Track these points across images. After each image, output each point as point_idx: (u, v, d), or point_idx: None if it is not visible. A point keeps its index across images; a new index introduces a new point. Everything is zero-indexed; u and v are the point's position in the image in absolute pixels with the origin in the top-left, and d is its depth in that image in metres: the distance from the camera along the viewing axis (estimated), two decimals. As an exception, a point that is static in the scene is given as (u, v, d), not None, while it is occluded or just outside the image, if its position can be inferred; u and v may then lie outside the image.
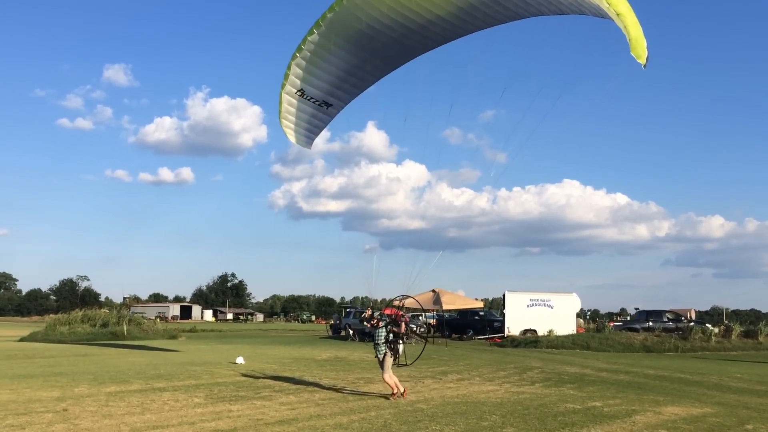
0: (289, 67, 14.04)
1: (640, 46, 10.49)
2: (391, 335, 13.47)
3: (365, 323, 14.35)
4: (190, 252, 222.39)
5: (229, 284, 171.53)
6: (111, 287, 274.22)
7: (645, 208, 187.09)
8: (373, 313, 14.05)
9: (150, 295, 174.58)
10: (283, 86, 14.44)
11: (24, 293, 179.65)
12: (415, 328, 15.10)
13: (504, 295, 39.51)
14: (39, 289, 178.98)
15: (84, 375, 16.50)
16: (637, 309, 46.27)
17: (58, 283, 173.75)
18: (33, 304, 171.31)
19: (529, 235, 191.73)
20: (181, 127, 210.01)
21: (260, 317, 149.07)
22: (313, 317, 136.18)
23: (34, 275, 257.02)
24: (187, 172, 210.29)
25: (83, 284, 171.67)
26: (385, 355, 13.33)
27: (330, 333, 46.88)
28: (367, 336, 36.72)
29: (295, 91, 14.50)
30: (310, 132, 15.88)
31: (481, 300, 52.86)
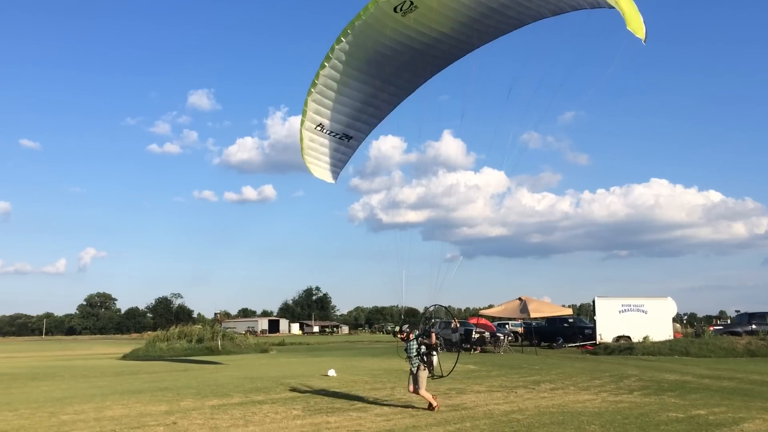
0: (306, 103, 14.08)
1: (635, 21, 10.34)
2: (423, 347, 13.08)
3: (399, 337, 13.96)
4: (276, 267, 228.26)
5: (314, 297, 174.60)
6: (202, 304, 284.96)
7: (741, 204, 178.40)
8: (401, 327, 13.90)
9: (239, 310, 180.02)
10: (302, 122, 14.49)
11: (123, 312, 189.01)
12: (455, 338, 14.04)
13: (594, 302, 38.45)
14: (137, 308, 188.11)
15: (187, 389, 17.28)
16: (738, 311, 43.96)
17: (154, 302, 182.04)
18: (131, 322, 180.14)
19: (616, 237, 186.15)
20: (262, 146, 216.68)
21: (345, 329, 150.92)
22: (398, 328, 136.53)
23: (132, 294, 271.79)
24: (269, 190, 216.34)
25: (177, 302, 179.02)
26: (418, 368, 13.00)
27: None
28: (453, 346, 36.59)
29: (315, 126, 14.49)
30: (334, 166, 15.73)
31: (569, 306, 51.63)
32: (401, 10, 11.87)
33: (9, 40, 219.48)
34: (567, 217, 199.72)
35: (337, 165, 15.72)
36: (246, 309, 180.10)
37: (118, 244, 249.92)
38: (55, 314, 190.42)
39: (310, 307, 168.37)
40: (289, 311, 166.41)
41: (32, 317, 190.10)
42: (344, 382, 18.74)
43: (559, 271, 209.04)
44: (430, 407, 12.88)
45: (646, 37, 10.64)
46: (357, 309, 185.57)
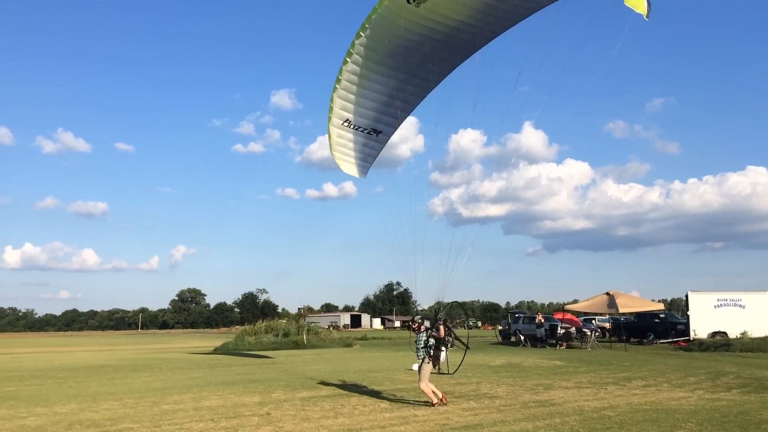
0: (332, 99, 13.92)
1: None
2: (431, 340, 12.80)
3: (412, 327, 13.62)
4: (357, 262, 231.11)
5: (394, 292, 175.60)
6: (286, 299, 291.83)
7: None
8: (413, 317, 13.56)
9: (322, 305, 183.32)
10: (329, 119, 14.33)
11: (212, 307, 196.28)
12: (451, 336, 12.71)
13: (687, 296, 36.91)
14: (225, 303, 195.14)
15: (278, 381, 17.84)
16: None
17: (240, 297, 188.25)
18: (220, 316, 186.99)
19: (710, 229, 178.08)
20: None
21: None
22: (479, 323, 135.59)
23: (220, 290, 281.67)
24: (349, 186, 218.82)
25: (262, 297, 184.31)
26: (423, 361, 12.80)
27: (500, 339, 46.50)
28: (538, 341, 36.03)
29: (342, 122, 14.34)
30: (363, 161, 15.59)
31: (659, 301, 49.75)
32: (414, 0, 11.73)
33: (103, 47, 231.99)
34: (656, 208, 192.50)
35: (366, 160, 15.63)
36: (329, 304, 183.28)
37: (206, 242, 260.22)
38: (150, 309, 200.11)
39: (392, 302, 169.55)
40: (370, 306, 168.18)
41: (128, 312, 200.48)
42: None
43: (648, 265, 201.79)
44: (433, 404, 12.61)
45: (648, 13, 10.08)
46: (438, 304, 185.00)
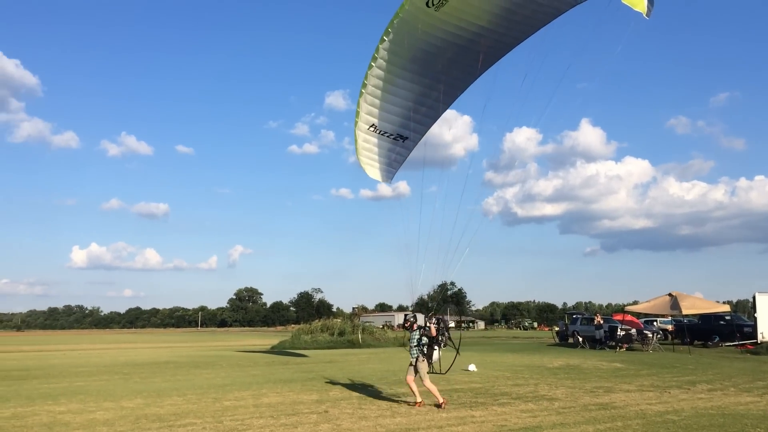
0: (358, 104, 13.91)
1: None
2: (424, 339, 12.71)
3: (404, 326, 13.46)
4: (411, 262, 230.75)
5: (449, 292, 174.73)
6: (341, 298, 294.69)
7: None
8: (406, 316, 13.40)
9: (376, 305, 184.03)
10: (356, 123, 14.31)
11: (268, 305, 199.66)
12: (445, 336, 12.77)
13: (754, 297, 35.51)
14: (281, 302, 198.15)
15: (335, 380, 18.02)
16: None
17: (296, 296, 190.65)
18: (276, 315, 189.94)
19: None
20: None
21: (481, 325, 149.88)
22: (535, 324, 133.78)
23: (277, 289, 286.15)
24: (403, 186, 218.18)
25: (317, 296, 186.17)
26: (417, 359, 12.67)
27: (557, 340, 45.73)
28: (597, 343, 35.28)
29: (368, 126, 14.27)
30: (389, 166, 15.49)
31: (724, 303, 48.04)
32: (433, 4, 11.63)
33: (164, 56, 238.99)
34: (721, 206, 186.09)
35: (392, 165, 15.52)
36: (383, 304, 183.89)
37: (263, 242, 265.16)
38: (209, 307, 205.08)
39: (446, 302, 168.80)
40: (424, 306, 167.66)
41: (189, 310, 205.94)
42: (485, 377, 18.71)
43: (712, 265, 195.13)
44: (441, 404, 12.55)
45: (649, 11, 9.74)
46: (492, 304, 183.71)
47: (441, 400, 12.65)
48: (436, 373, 13.83)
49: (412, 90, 13.74)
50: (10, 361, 29.96)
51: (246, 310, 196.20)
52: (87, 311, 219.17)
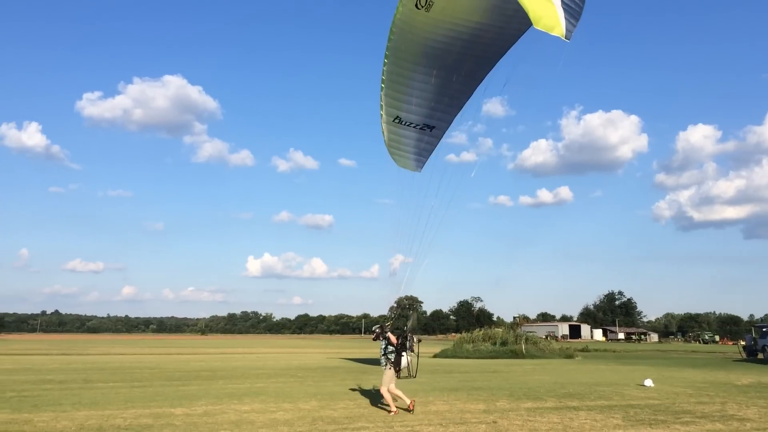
0: (381, 98, 13.89)
1: (547, 17, 9.17)
2: (389, 347, 13.15)
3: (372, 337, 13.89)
4: (574, 270, 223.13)
5: (616, 302, 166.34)
6: (501, 307, 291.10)
7: None
8: (372, 327, 13.81)
9: (538, 315, 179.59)
10: (381, 116, 14.35)
11: (428, 314, 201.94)
12: (415, 341, 13.67)
13: None
14: (440, 310, 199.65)
15: (500, 390, 17.77)
16: None
17: (456, 305, 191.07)
18: (436, 323, 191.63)
19: None
20: (557, 147, 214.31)
21: (654, 337, 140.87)
22: (717, 337, 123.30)
23: (436, 297, 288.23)
24: (565, 192, 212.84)
25: (477, 305, 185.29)
26: (386, 367, 13.08)
27: (744, 355, 41.82)
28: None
29: (392, 119, 14.27)
30: (419, 155, 15.47)
31: None
32: (422, 6, 11.54)
33: (327, 79, 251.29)
34: None
35: (422, 155, 15.58)
36: (545, 313, 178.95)
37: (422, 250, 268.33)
38: (371, 315, 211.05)
39: (613, 312, 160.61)
40: (590, 316, 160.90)
41: (353, 317, 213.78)
42: (664, 393, 17.50)
43: None
44: (391, 411, 12.91)
45: (569, 34, 9.21)
46: (667, 315, 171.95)
47: (393, 410, 12.98)
48: (406, 377, 13.82)
49: (429, 83, 13.77)
50: (198, 363, 32.85)
51: (407, 318, 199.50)
52: (261, 317, 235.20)
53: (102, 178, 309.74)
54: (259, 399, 15.42)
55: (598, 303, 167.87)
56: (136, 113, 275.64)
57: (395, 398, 13.28)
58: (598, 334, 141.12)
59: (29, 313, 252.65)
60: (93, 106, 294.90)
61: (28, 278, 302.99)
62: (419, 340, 13.95)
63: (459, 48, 12.77)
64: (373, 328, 13.88)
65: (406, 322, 14.54)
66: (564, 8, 9.56)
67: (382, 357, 13.38)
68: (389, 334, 13.37)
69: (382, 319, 13.99)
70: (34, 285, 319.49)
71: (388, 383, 13.18)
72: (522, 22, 12.31)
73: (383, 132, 15.27)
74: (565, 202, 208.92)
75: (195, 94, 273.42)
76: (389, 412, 13.03)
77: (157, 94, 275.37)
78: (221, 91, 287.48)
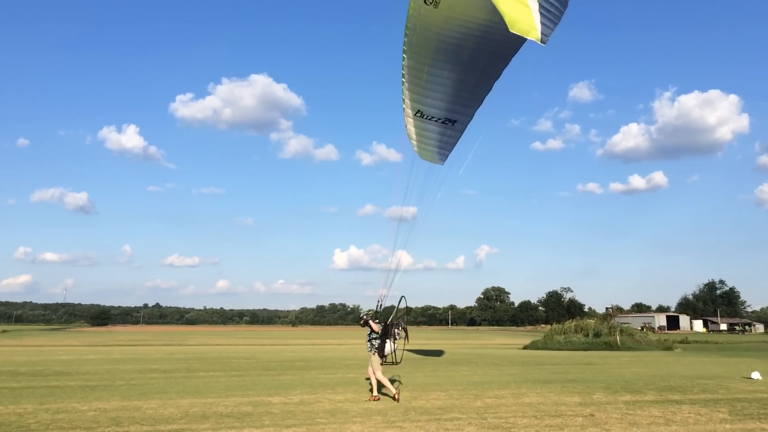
0: (402, 92, 13.86)
1: (522, 21, 9.04)
2: (373, 334, 13.63)
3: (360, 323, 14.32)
4: (670, 259, 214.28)
5: (717, 292, 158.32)
6: (592, 298, 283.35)
7: None
8: (362, 315, 14.26)
9: (632, 305, 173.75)
10: (403, 110, 14.38)
11: (516, 305, 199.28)
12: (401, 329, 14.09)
13: None
14: (529, 301, 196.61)
15: (596, 383, 17.29)
16: None
17: (545, 295, 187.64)
18: (525, 314, 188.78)
19: None
20: (649, 131, 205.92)
21: (760, 328, 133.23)
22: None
23: (524, 288, 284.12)
24: (659, 177, 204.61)
25: (567, 295, 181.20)
26: (371, 352, 13.63)
27: None
28: None
29: (414, 113, 14.27)
30: (441, 149, 15.56)
31: None
32: (430, 2, 11.33)
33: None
34: None
35: (445, 147, 15.62)
36: (640, 304, 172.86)
37: (509, 241, 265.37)
38: (457, 306, 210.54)
39: (714, 302, 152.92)
40: (689, 307, 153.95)
41: (439, 309, 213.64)
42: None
43: None
44: (372, 397, 13.55)
45: (545, 38, 9.09)
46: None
47: (375, 394, 13.62)
48: (391, 363, 14.01)
49: (448, 77, 13.66)
50: (291, 353, 33.81)
51: (494, 309, 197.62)
52: (349, 309, 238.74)
53: (195, 176, 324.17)
54: (352, 389, 15.68)
55: (697, 293, 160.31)
56: (225, 113, 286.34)
57: (380, 386, 13.85)
58: (698, 325, 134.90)
59: (132, 306, 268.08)
60: (185, 107, 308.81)
61: (131, 273, 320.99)
62: (405, 329, 14.38)
63: (472, 44, 12.83)
64: (361, 315, 14.58)
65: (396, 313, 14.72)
66: (541, 12, 9.49)
67: (367, 342, 13.97)
68: (371, 322, 13.92)
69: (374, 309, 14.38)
70: (137, 279, 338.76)
71: (378, 369, 13.70)
72: None
73: (406, 125, 15.63)
74: (659, 188, 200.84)
75: (280, 91, 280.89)
76: (394, 398, 13.43)
77: (244, 93, 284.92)
78: (305, 88, 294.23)
